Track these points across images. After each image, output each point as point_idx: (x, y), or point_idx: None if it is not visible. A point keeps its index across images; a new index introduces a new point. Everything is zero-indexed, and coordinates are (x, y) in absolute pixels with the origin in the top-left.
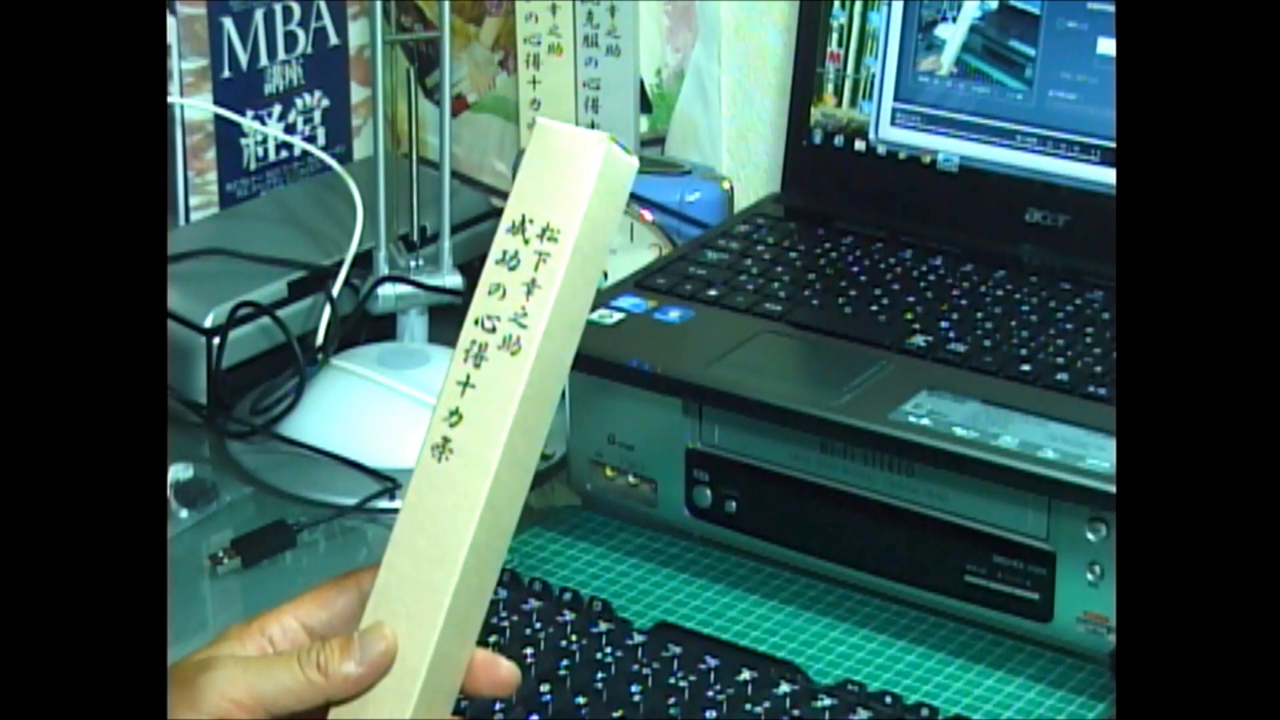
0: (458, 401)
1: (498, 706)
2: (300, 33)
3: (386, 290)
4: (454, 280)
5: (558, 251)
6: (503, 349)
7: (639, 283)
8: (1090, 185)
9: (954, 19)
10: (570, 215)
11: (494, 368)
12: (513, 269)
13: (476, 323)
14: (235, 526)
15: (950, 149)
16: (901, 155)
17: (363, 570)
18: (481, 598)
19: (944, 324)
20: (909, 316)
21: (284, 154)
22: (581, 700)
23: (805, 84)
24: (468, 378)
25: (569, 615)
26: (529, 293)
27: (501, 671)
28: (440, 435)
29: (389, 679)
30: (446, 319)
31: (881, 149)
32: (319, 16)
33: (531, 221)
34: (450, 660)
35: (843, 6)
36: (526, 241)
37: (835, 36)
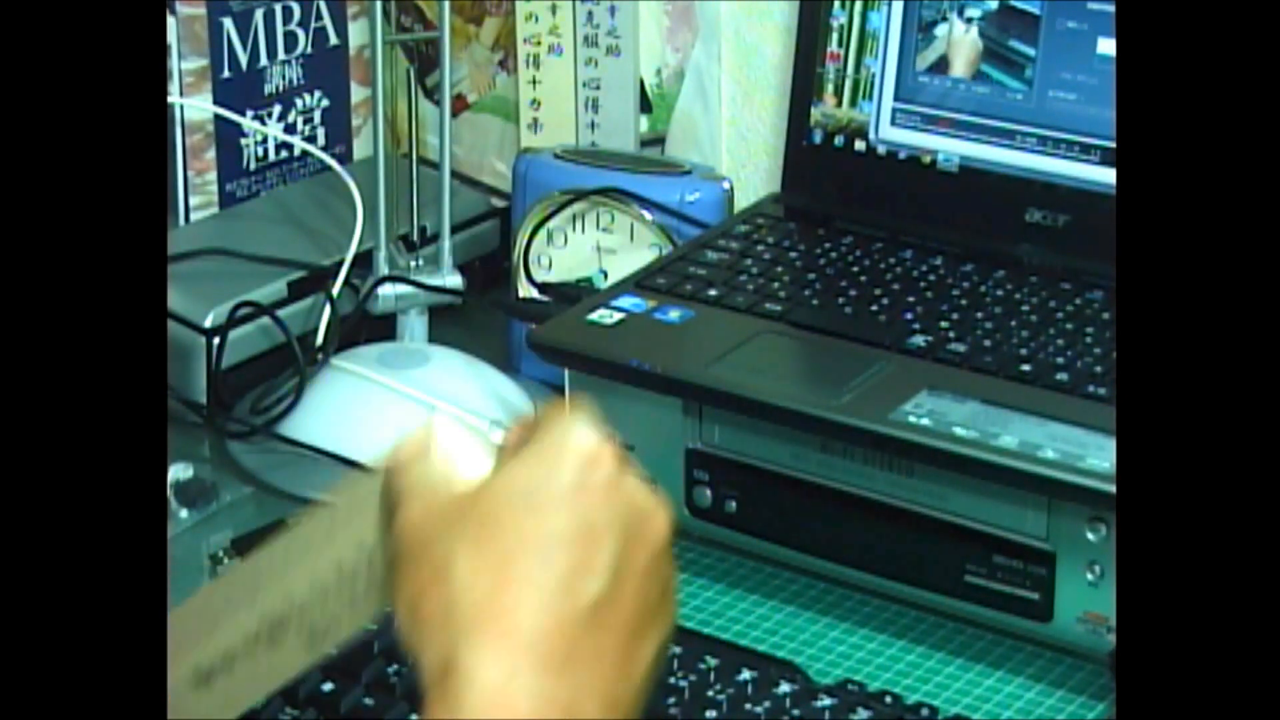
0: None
1: None
2: (300, 33)
3: (386, 290)
4: (454, 280)
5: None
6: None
7: (639, 283)
8: (1090, 185)
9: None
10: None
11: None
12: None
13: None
14: (235, 526)
15: (950, 149)
16: (901, 155)
17: None
18: None
19: (944, 324)
20: (909, 316)
21: (284, 154)
22: None
23: (805, 84)
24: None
25: None
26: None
27: None
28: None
29: None
30: (446, 319)
31: (881, 149)
32: (319, 16)
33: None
34: None
35: (843, 6)
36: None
37: (835, 36)
